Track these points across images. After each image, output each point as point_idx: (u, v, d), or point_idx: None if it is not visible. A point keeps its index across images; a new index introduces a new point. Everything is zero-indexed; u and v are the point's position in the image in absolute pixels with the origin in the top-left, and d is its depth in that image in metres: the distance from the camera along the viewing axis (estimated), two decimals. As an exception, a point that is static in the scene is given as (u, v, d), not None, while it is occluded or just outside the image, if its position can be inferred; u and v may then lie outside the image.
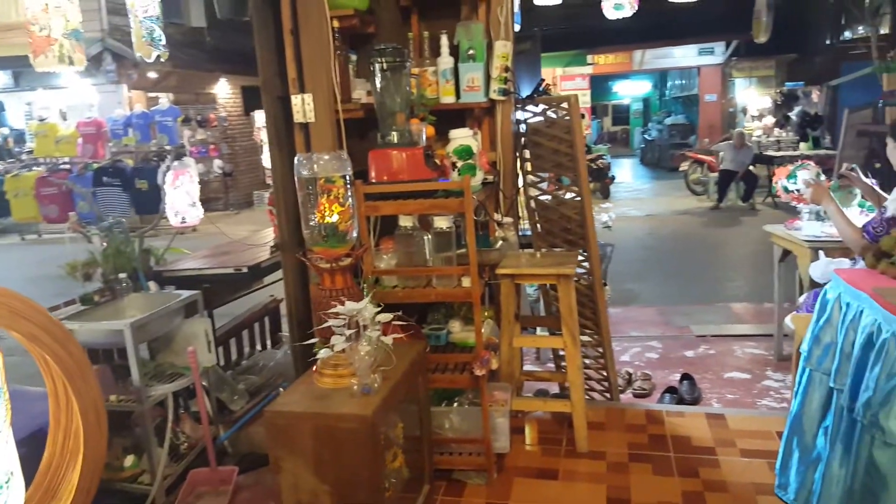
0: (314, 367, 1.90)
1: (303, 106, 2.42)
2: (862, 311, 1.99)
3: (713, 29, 13.80)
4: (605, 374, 3.33)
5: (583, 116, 3.44)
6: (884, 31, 12.24)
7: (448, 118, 2.88)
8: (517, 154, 3.21)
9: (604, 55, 15.58)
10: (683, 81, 18.74)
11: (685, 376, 3.71)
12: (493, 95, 2.93)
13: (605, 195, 12.42)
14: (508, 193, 3.08)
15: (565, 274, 2.62)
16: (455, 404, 2.54)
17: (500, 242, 2.85)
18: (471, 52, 2.91)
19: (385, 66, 2.27)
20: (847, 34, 13.57)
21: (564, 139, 3.11)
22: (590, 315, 3.26)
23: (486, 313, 2.71)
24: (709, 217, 10.21)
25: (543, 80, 3.18)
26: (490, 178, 2.83)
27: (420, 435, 2.21)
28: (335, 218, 1.83)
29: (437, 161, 2.51)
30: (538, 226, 3.33)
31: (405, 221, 2.39)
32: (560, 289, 2.65)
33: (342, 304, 1.76)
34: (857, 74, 13.26)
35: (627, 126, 24.84)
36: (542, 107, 3.20)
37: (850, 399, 1.91)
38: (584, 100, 14.74)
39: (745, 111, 14.49)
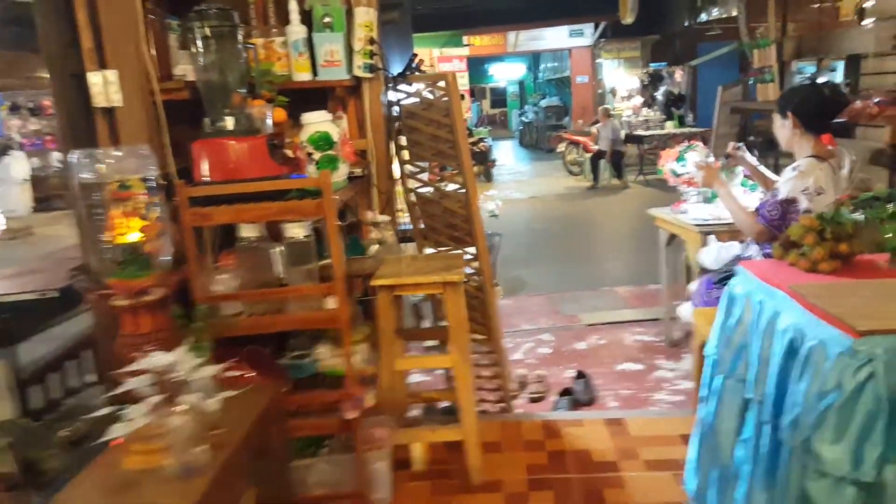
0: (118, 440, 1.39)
1: (104, 86, 1.86)
2: (779, 313, 1.76)
3: (582, 10, 14.01)
4: (498, 382, 3.01)
5: (462, 97, 3.06)
6: (735, 13, 12.91)
7: (305, 100, 2.40)
8: (391, 141, 2.79)
9: (479, 36, 15.41)
10: (556, 64, 19.03)
11: (580, 374, 3.48)
12: (358, 72, 2.48)
13: (489, 178, 12.29)
14: (383, 188, 2.66)
15: (452, 281, 2.24)
16: (325, 449, 2.10)
17: (376, 247, 2.43)
18: (327, 19, 2.44)
19: (209, 32, 1.76)
20: (703, 16, 14.21)
21: (444, 123, 2.72)
22: (480, 319, 2.92)
23: (360, 336, 2.28)
24: (587, 197, 10.31)
25: (416, 54, 2.76)
26: (359, 171, 2.39)
27: (278, 499, 1.76)
28: (135, 237, 1.33)
29: (289, 153, 2.04)
30: (420, 222, 2.94)
31: (248, 231, 1.91)
32: (447, 299, 2.27)
33: (149, 355, 1.27)
34: (715, 54, 13.92)
35: (505, 109, 25.08)
36: (416, 86, 2.80)
37: (774, 415, 1.67)
38: (463, 82, 14.53)
39: (614, 92, 14.86)
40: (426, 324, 3.68)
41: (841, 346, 1.40)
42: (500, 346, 2.91)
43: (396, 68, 2.82)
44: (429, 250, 2.95)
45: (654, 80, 14.11)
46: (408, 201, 2.92)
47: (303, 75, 2.44)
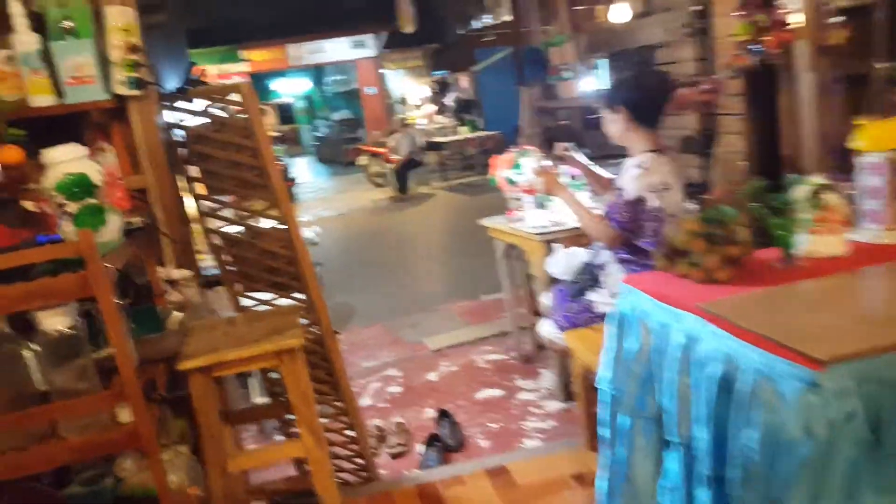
0: None
1: None
2: (695, 339, 1.50)
3: (361, 21, 13.83)
4: (355, 448, 2.53)
5: (263, 112, 2.53)
6: (507, 18, 13.56)
7: (51, 131, 1.74)
8: (176, 174, 2.19)
9: (258, 51, 14.54)
10: (342, 76, 18.70)
11: (442, 414, 3.12)
12: (120, 89, 1.87)
13: (291, 199, 11.53)
14: (176, 234, 2.05)
15: (290, 348, 1.73)
16: None
17: (178, 315, 1.83)
18: (66, 23, 1.81)
19: None
20: (476, 23, 14.78)
21: (244, 145, 2.18)
22: (325, 377, 2.42)
23: (174, 436, 1.68)
24: (396, 208, 10.06)
25: (194, 63, 2.19)
26: (137, 220, 1.77)
27: None
28: None
29: (30, 207, 1.40)
30: (229, 268, 2.36)
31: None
32: (286, 372, 1.75)
33: None
34: (492, 59, 14.54)
35: (295, 125, 24.23)
36: (202, 103, 2.22)
37: (713, 466, 1.41)
38: (245, 101, 13.59)
39: (404, 101, 14.90)
40: (258, 396, 3.09)
41: (800, 382, 1.14)
42: (354, 405, 2.43)
43: (172, 83, 2.22)
44: (246, 301, 2.39)
45: (443, 87, 14.37)
46: (210, 245, 2.33)
47: (42, 98, 1.78)
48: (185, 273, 1.94)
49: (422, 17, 12.44)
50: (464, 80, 14.70)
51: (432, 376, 3.71)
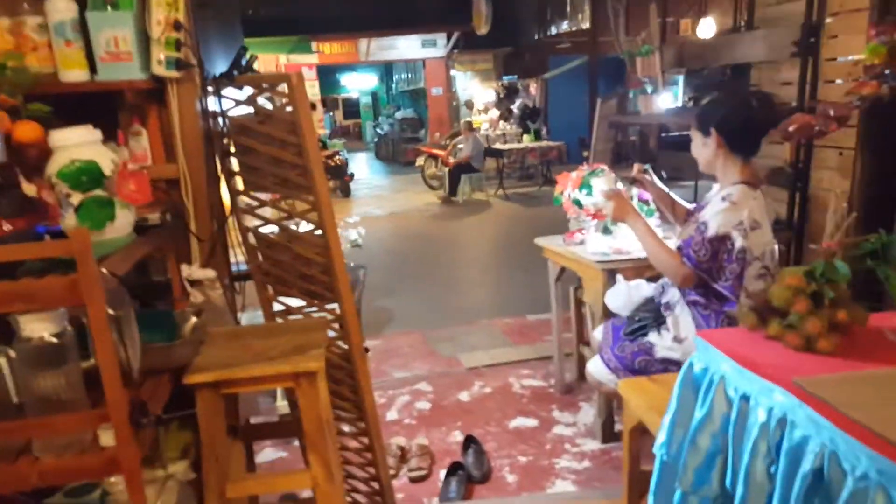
0: None
1: None
2: (788, 422, 1.24)
3: (435, 19, 13.70)
4: (372, 471, 2.34)
5: (314, 107, 2.33)
6: (585, 25, 13.21)
7: (82, 109, 1.61)
8: (215, 167, 2.04)
9: (329, 43, 14.62)
10: (410, 75, 18.67)
11: (469, 440, 2.90)
12: (159, 69, 1.73)
13: (346, 194, 11.54)
14: (206, 230, 1.91)
15: (309, 371, 1.55)
16: None
17: (192, 321, 1.67)
18: (109, -8, 1.67)
19: None
20: (553, 29, 14.46)
21: (289, 142, 2.01)
22: (348, 394, 2.24)
23: (178, 449, 1.53)
24: (449, 213, 9.87)
25: (246, 48, 2.03)
26: (155, 216, 1.62)
27: None
28: None
29: (31, 193, 1.25)
30: (263, 272, 2.20)
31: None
32: (302, 396, 1.57)
33: None
34: (566, 67, 14.23)
35: (359, 120, 24.41)
36: (249, 90, 2.07)
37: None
38: (314, 92, 13.66)
39: (469, 104, 14.71)
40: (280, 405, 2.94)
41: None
42: (376, 429, 2.24)
43: (219, 67, 2.07)
44: (278, 306, 2.23)
45: (510, 92, 14.13)
46: (246, 244, 2.17)
47: (73, 73, 1.65)
48: (209, 273, 1.79)
49: (497, 19, 12.24)
50: (532, 87, 14.41)
51: (464, 396, 3.50)
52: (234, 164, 2.14)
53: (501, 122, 13.55)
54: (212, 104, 2.05)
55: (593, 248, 2.90)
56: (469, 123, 10.86)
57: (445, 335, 4.40)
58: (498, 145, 12.07)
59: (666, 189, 2.66)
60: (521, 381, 3.65)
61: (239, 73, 2.06)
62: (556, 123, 14.32)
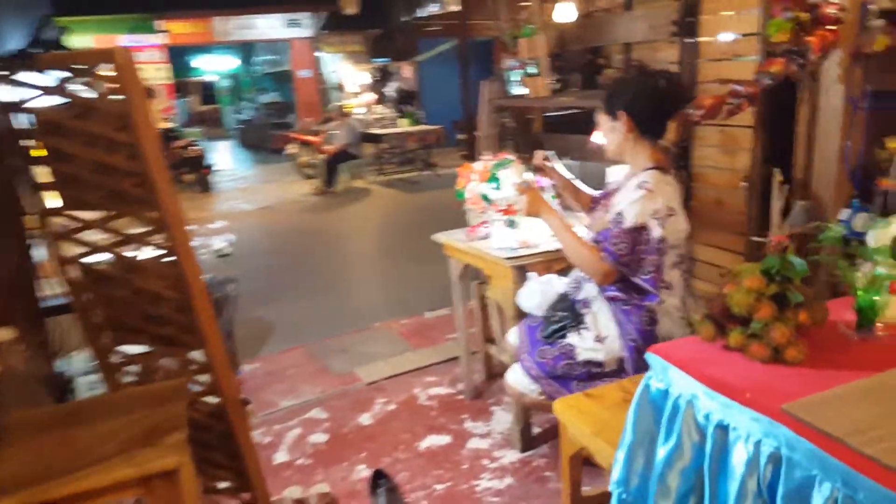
0: None
1: None
2: (778, 456, 1.01)
3: (299, -2, 12.93)
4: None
5: (150, 93, 1.80)
6: (454, 7, 12.98)
7: None
8: (13, 178, 1.48)
9: (177, 22, 13.32)
10: (275, 56, 17.57)
11: (377, 476, 2.51)
12: None
13: (206, 188, 10.57)
14: None
15: (164, 472, 1.09)
16: None
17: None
18: None
19: None
20: (422, 11, 14.13)
21: (119, 142, 1.50)
22: (225, 461, 1.77)
23: None
24: (327, 204, 9.29)
25: (49, 17, 1.49)
26: None
27: None
28: None
29: None
30: (94, 314, 1.66)
31: None
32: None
33: None
34: (438, 50, 13.97)
35: (218, 105, 22.89)
36: (57, 75, 1.53)
37: None
38: (162, 75, 12.47)
39: (341, 88, 14.06)
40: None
41: None
42: (265, 499, 1.79)
43: (11, 42, 1.51)
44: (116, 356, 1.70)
45: (385, 76, 13.66)
46: (68, 281, 1.63)
47: None
48: (4, 334, 1.25)
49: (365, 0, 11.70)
50: (406, 70, 14.02)
51: (366, 419, 3.10)
52: (44, 174, 1.59)
53: (377, 106, 13.06)
54: (5, 94, 1.50)
55: (499, 243, 2.62)
56: (340, 108, 10.26)
57: (337, 346, 3.95)
58: (375, 130, 11.59)
59: (570, 176, 2.45)
60: (427, 391, 3.31)
61: (44, 50, 1.51)
62: (431, 107, 14.04)
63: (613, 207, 2.04)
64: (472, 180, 2.33)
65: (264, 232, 7.77)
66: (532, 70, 3.96)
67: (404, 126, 11.55)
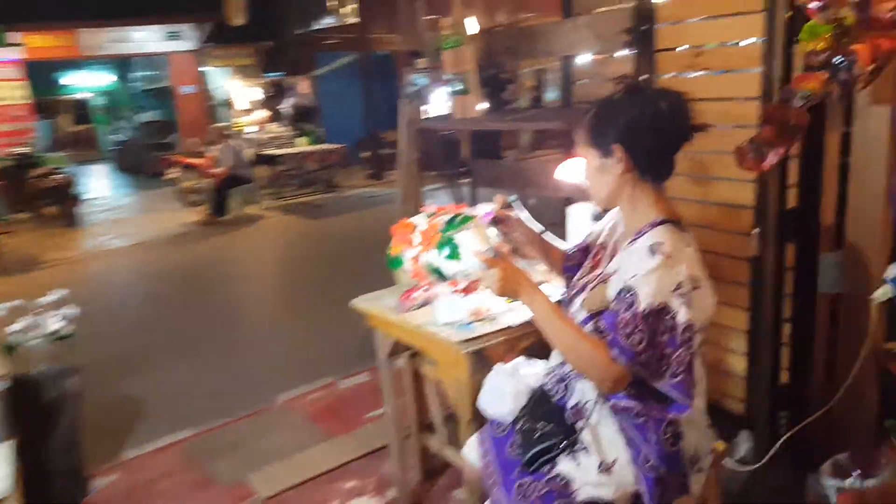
0: None
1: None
2: None
3: (177, 8, 11.73)
4: None
5: None
6: (351, 20, 12.24)
7: None
8: None
9: (38, 35, 11.74)
10: (154, 72, 16.05)
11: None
12: None
13: (73, 223, 9.16)
14: None
15: None
16: None
17: None
18: None
19: None
20: (318, 24, 13.30)
21: None
22: None
23: None
24: (214, 236, 8.17)
25: None
26: None
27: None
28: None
29: None
30: None
31: None
32: None
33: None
34: (338, 64, 13.15)
35: (92, 125, 20.91)
36: None
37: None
38: (19, 94, 10.87)
39: (230, 105, 12.89)
40: None
41: None
42: None
43: None
44: None
45: (278, 91, 12.63)
46: None
47: None
48: None
49: (255, 10, 10.72)
50: (303, 86, 13.06)
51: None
52: None
53: (271, 125, 12.03)
54: None
55: (445, 316, 1.88)
56: (223, 129, 9.16)
57: (224, 440, 3.03)
58: (271, 150, 10.58)
59: (538, 228, 1.78)
60: (349, 502, 2.50)
61: None
62: (332, 125, 13.19)
63: (613, 277, 1.41)
64: (414, 245, 1.58)
65: (137, 275, 6.63)
66: (459, 87, 3.28)
67: (303, 145, 10.64)
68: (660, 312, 1.30)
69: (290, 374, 3.72)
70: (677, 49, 2.37)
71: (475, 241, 1.52)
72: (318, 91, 13.40)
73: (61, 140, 17.56)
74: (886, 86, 1.80)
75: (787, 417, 2.13)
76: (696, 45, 2.26)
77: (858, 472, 1.87)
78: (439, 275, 1.55)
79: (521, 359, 1.74)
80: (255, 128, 11.74)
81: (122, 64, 17.89)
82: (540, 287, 1.46)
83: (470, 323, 1.81)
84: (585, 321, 1.43)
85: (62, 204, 9.07)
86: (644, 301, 1.30)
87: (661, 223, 1.40)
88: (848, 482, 1.86)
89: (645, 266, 1.33)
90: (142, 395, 3.57)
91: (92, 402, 3.38)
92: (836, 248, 2.00)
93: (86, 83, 19.68)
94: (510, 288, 1.45)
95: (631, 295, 1.32)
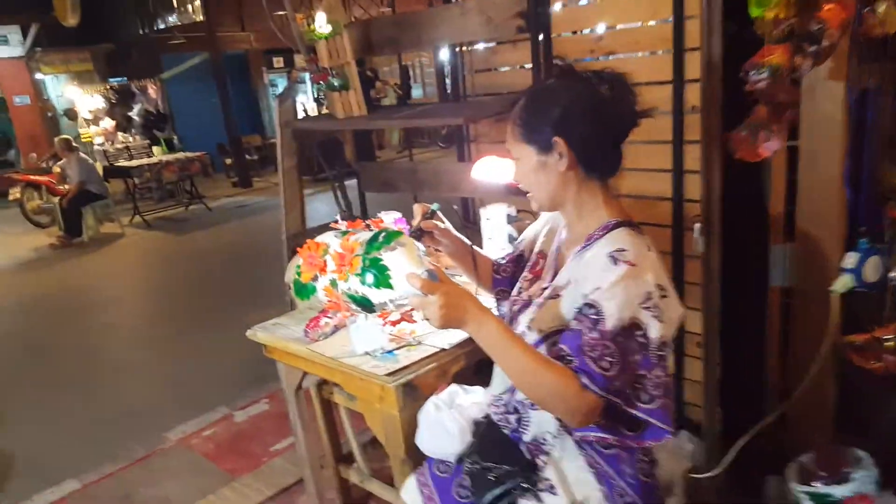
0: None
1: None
2: None
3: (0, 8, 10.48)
4: None
5: None
6: (198, 18, 11.54)
7: None
8: None
9: None
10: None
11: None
12: None
13: None
14: None
15: None
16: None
17: None
18: None
19: None
20: (161, 23, 12.43)
21: None
22: None
23: None
24: (67, 259, 7.42)
25: None
26: None
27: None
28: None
29: None
30: None
31: None
32: None
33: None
34: (187, 65, 12.37)
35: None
36: None
37: None
38: None
39: (72, 115, 11.72)
40: None
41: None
42: None
43: None
44: None
45: (124, 97, 11.65)
46: None
47: None
48: None
49: (89, 10, 9.78)
50: (152, 90, 12.15)
51: None
52: None
53: (120, 134, 11.07)
54: None
55: (363, 344, 1.74)
56: (67, 141, 8.29)
57: (114, 492, 2.73)
58: (123, 162, 9.75)
59: (463, 238, 1.64)
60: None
61: None
62: (188, 131, 12.40)
63: (566, 291, 1.28)
64: (328, 271, 1.42)
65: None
66: (337, 82, 3.10)
67: (159, 155, 9.88)
68: (630, 329, 1.16)
69: (179, 408, 3.43)
70: (577, 33, 2.29)
71: (406, 262, 1.35)
72: (169, 95, 12.55)
73: None
74: (841, 60, 1.66)
75: (743, 420, 1.96)
76: (596, 28, 2.15)
77: (825, 474, 1.76)
78: (364, 305, 1.39)
79: (455, 387, 1.62)
80: (102, 139, 10.76)
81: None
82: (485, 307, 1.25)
83: (392, 350, 1.67)
84: (537, 344, 1.28)
85: None
86: (611, 318, 1.15)
87: (615, 226, 1.27)
88: (817, 486, 1.75)
89: (607, 278, 1.18)
90: (9, 448, 3.15)
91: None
92: (787, 239, 1.91)
93: None
94: (455, 316, 1.21)
95: (595, 312, 1.17)
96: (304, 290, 1.53)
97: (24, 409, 3.67)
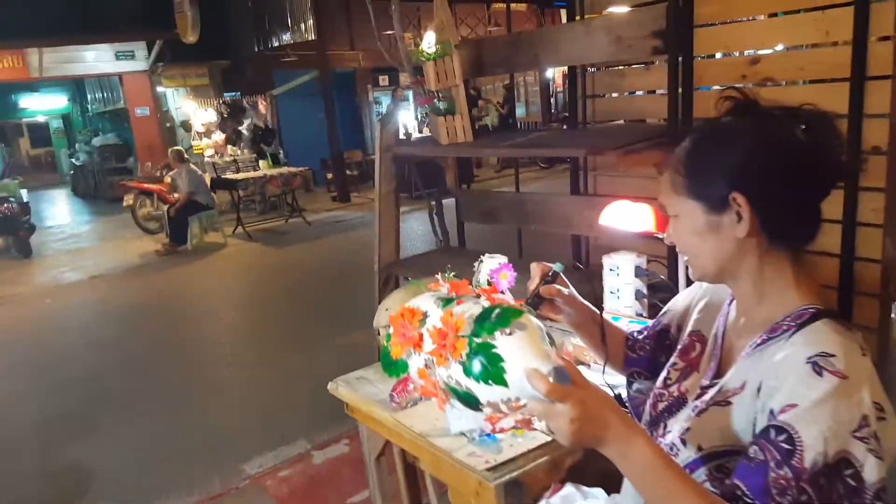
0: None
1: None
2: None
3: (129, 25, 11.14)
4: None
5: None
6: (311, 37, 11.81)
7: None
8: None
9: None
10: (107, 93, 15.38)
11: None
12: None
13: (26, 253, 8.57)
14: None
15: None
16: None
17: None
18: None
19: None
20: (275, 41, 12.85)
21: None
22: None
23: None
24: (173, 267, 7.64)
25: None
26: None
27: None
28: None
29: None
30: None
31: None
32: None
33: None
34: (297, 82, 12.69)
35: (52, 148, 20.28)
36: None
37: None
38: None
39: (187, 126, 12.30)
40: None
41: None
42: None
43: None
44: None
45: (235, 111, 12.08)
46: None
47: None
48: None
49: (208, 28, 10.22)
50: (262, 105, 12.55)
51: None
52: None
53: (229, 147, 11.47)
54: None
55: (459, 424, 1.43)
56: (179, 153, 8.61)
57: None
58: (230, 174, 10.05)
59: (591, 306, 1.30)
60: None
61: None
62: (293, 146, 12.70)
63: (739, 398, 0.95)
64: (424, 350, 1.15)
65: (90, 314, 6.08)
66: (443, 105, 2.87)
67: (264, 168, 10.12)
68: (837, 468, 0.83)
69: (260, 432, 3.35)
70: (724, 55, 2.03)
71: (527, 353, 1.01)
72: (277, 111, 12.92)
73: (18, 164, 16.84)
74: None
75: None
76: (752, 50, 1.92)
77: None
78: (468, 402, 1.09)
79: (570, 488, 1.31)
80: (212, 151, 11.18)
81: (78, 85, 17.21)
82: (633, 423, 0.92)
83: (493, 434, 1.38)
84: (694, 465, 0.97)
85: (13, 234, 8.45)
86: (810, 451, 0.83)
87: (813, 317, 0.93)
88: None
89: (807, 394, 0.85)
90: (84, 464, 3.15)
91: (24, 473, 2.95)
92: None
93: (42, 106, 18.96)
94: (592, 433, 0.89)
95: (787, 439, 0.85)
96: (395, 367, 1.26)
97: (116, 424, 3.66)
